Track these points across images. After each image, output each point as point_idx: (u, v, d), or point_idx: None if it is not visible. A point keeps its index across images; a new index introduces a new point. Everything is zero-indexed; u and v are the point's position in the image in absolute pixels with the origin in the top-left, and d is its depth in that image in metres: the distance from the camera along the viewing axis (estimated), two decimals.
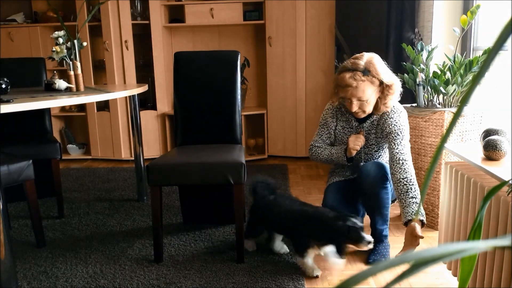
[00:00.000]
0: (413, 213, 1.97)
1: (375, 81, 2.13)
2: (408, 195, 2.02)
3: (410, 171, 2.09)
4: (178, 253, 2.36)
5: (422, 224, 1.96)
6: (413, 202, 2.01)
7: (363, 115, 2.23)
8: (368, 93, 2.13)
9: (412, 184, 2.06)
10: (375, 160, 2.30)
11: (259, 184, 2.36)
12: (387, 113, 2.23)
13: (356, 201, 2.37)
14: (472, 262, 0.86)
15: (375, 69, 2.13)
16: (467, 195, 1.79)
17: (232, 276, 2.11)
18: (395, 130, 2.19)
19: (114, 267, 2.24)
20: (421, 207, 2.11)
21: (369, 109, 2.20)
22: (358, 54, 2.22)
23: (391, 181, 2.18)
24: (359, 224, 1.97)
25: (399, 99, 2.24)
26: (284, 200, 2.26)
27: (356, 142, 2.22)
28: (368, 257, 2.25)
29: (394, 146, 2.15)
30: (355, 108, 2.17)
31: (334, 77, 2.25)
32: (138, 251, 2.40)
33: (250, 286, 2.02)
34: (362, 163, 2.30)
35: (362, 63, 2.14)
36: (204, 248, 2.41)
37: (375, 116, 2.26)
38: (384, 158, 2.36)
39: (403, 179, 2.07)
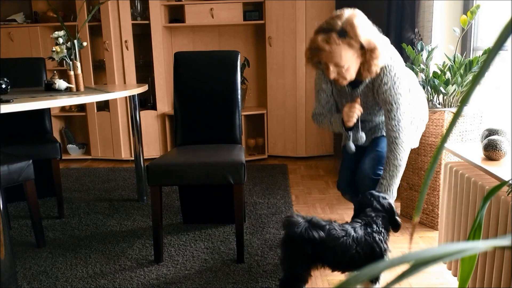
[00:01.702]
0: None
1: (354, 45, 1.85)
2: (383, 173, 1.99)
3: (396, 151, 1.96)
4: (178, 253, 2.36)
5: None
6: (380, 183, 1.99)
7: (345, 82, 1.98)
8: (347, 58, 1.87)
9: (391, 166, 1.96)
10: (373, 155, 2.13)
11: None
12: (380, 77, 1.96)
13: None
14: (472, 262, 0.86)
15: (355, 30, 1.83)
16: (467, 195, 1.79)
17: (232, 276, 2.11)
18: (389, 100, 1.96)
19: (114, 267, 2.24)
20: (389, 189, 1.99)
21: (350, 75, 1.94)
22: (338, 12, 1.92)
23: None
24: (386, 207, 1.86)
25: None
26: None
27: (350, 114, 2.00)
28: None
29: (388, 120, 1.98)
30: (332, 75, 1.93)
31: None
32: (138, 251, 2.40)
33: (250, 286, 2.02)
34: (361, 139, 2.11)
35: (339, 23, 1.85)
36: (204, 248, 2.41)
37: (368, 79, 2.01)
38: (382, 119, 2.18)
39: (387, 157, 1.99)
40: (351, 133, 2.08)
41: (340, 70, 1.91)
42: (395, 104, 1.97)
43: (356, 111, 1.99)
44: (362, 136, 2.10)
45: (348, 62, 1.88)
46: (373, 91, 2.02)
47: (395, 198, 2.01)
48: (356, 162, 2.21)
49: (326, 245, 1.70)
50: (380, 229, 1.77)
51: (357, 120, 2.05)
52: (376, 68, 1.91)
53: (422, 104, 2.22)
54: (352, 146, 2.10)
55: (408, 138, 2.00)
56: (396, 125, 1.97)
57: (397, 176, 1.98)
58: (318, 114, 2.21)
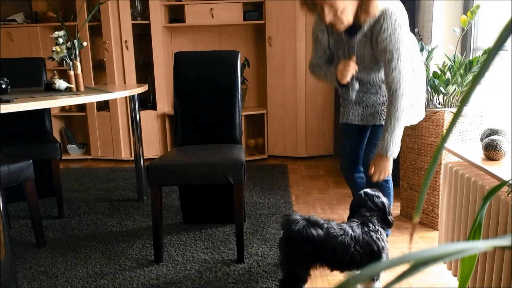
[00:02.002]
0: (382, 148, 1.94)
1: None
2: (384, 126, 1.95)
3: (396, 103, 1.91)
4: (178, 253, 2.36)
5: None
6: (383, 137, 1.95)
7: (342, 27, 1.89)
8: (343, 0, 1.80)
9: (391, 118, 1.92)
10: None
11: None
12: (380, 23, 1.86)
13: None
14: (472, 262, 0.86)
15: None
16: (467, 195, 1.79)
17: (232, 276, 2.11)
18: (389, 49, 1.87)
19: (114, 267, 2.24)
20: (391, 141, 1.93)
21: (347, 18, 1.85)
22: None
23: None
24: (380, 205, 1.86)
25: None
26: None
27: (344, 72, 1.96)
28: None
29: (388, 71, 1.91)
30: (328, 17, 1.85)
31: None
32: (138, 251, 2.40)
33: (250, 286, 2.02)
34: (355, 86, 2.06)
35: None
36: (204, 248, 2.41)
37: (367, 25, 1.91)
38: (379, 73, 2.07)
39: (388, 110, 1.94)
40: (348, 88, 2.09)
41: (335, 11, 1.83)
42: (395, 52, 1.88)
43: (351, 69, 1.95)
44: (355, 86, 2.08)
45: (344, 3, 1.80)
46: (371, 41, 1.92)
47: (399, 149, 1.96)
48: (358, 142, 2.23)
49: (326, 244, 1.70)
50: (376, 227, 1.78)
51: (352, 79, 2.03)
52: (374, 9, 1.83)
53: (421, 73, 2.14)
54: (353, 95, 2.12)
55: (409, 90, 1.95)
56: (396, 76, 1.90)
57: (399, 128, 1.93)
58: (314, 65, 2.17)
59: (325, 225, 1.73)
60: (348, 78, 1.98)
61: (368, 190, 1.91)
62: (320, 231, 1.70)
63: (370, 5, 1.82)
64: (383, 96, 2.10)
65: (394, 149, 1.94)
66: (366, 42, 1.94)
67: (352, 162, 2.25)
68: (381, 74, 2.04)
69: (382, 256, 1.77)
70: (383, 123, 2.06)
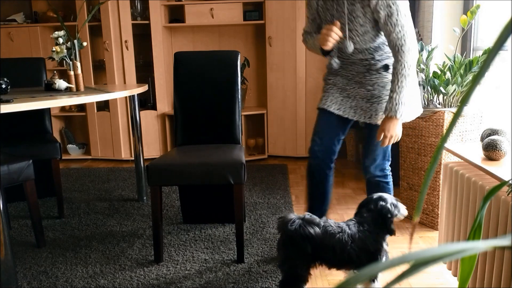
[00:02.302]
0: (391, 109, 1.88)
1: None
2: (391, 87, 1.89)
3: (404, 61, 1.85)
4: (178, 253, 2.36)
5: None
6: (390, 97, 1.88)
7: None
8: None
9: (399, 76, 1.85)
10: (374, 155, 2.07)
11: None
12: None
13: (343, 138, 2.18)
14: (472, 262, 0.86)
15: None
16: (467, 195, 1.79)
17: (232, 276, 2.11)
18: (386, 3, 1.80)
19: (114, 267, 2.24)
20: (400, 102, 1.87)
21: None
22: None
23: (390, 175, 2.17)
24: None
25: None
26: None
27: (326, 37, 1.88)
28: None
29: (389, 28, 1.84)
30: None
31: None
32: (138, 251, 2.40)
33: (250, 286, 2.02)
34: (349, 47, 1.94)
35: None
36: (204, 248, 2.41)
37: None
38: (375, 40, 1.95)
39: (394, 68, 1.88)
40: (332, 56, 2.01)
41: None
42: (394, 6, 1.81)
43: (333, 34, 1.87)
44: (334, 65, 2.01)
45: None
46: (362, 1, 1.85)
47: (406, 108, 1.91)
48: (338, 129, 2.11)
49: (325, 242, 1.70)
50: (372, 228, 1.77)
51: (340, 45, 1.94)
52: None
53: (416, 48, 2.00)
54: (335, 64, 2.03)
55: (415, 44, 1.88)
56: (400, 31, 1.83)
57: (407, 86, 1.87)
58: (306, 32, 2.12)
59: (322, 223, 1.73)
60: (330, 44, 1.90)
61: (380, 194, 1.86)
62: (317, 229, 1.70)
63: None
64: (373, 87, 2.00)
65: (403, 109, 1.88)
66: (356, 2, 1.87)
67: (328, 151, 2.12)
68: (374, 43, 1.94)
69: (378, 257, 1.76)
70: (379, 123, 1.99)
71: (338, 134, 2.13)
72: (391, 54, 1.96)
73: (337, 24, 1.89)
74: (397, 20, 1.83)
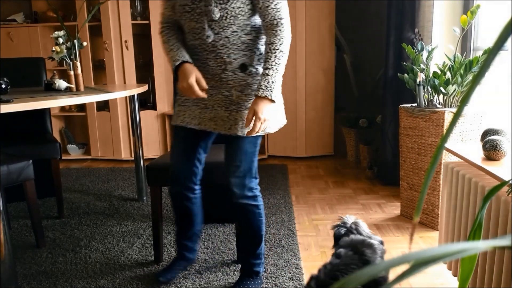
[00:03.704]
0: (266, 87, 1.67)
1: None
2: (265, 65, 1.69)
3: (282, 36, 1.68)
4: None
5: (272, 101, 1.69)
6: (265, 74, 1.68)
7: None
8: None
9: (276, 52, 1.67)
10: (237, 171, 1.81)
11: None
12: None
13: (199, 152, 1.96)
14: (472, 262, 0.85)
15: None
16: (467, 195, 1.79)
17: (232, 276, 2.11)
18: None
19: (114, 267, 2.24)
20: (276, 81, 1.69)
21: None
22: None
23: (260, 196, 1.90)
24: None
25: None
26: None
27: (187, 93, 1.71)
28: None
29: (264, 3, 1.67)
30: None
31: None
32: (138, 251, 2.40)
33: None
34: (209, 37, 1.71)
35: None
36: (204, 248, 2.41)
37: None
38: (240, 9, 1.69)
39: (271, 43, 1.69)
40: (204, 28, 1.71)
41: None
42: None
43: (192, 94, 1.71)
44: (209, 34, 1.71)
45: None
46: None
47: (277, 97, 1.72)
48: (199, 147, 1.93)
49: None
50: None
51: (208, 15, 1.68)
52: None
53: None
54: (211, 36, 1.71)
55: (289, 26, 1.72)
56: (278, 3, 1.68)
57: (283, 64, 1.71)
58: (164, 18, 1.85)
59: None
60: (188, 95, 1.73)
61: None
62: None
63: None
64: (230, 92, 1.78)
65: (278, 91, 1.72)
66: None
67: (190, 173, 1.95)
68: (243, 31, 1.72)
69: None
70: (242, 134, 1.77)
71: (200, 153, 1.94)
72: (248, 54, 1.75)
73: (203, 85, 1.72)
74: None
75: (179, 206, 2.02)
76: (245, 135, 1.77)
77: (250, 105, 1.74)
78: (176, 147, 1.94)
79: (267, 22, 1.70)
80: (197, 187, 2.01)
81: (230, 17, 1.68)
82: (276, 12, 1.68)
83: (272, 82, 1.68)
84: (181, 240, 2.10)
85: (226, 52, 1.73)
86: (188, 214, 2.04)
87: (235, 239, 2.27)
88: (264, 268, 2.17)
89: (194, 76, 1.71)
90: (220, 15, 1.67)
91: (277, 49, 1.68)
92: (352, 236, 1.65)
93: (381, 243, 1.67)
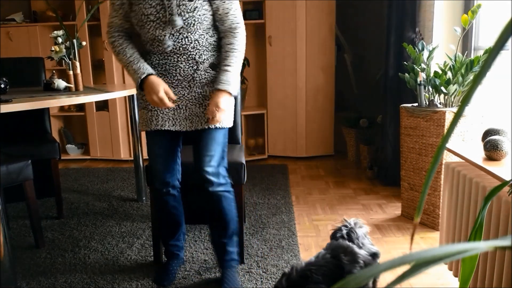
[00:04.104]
0: (225, 82, 1.79)
1: None
2: (224, 62, 1.81)
3: (239, 37, 1.83)
4: None
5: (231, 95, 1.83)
6: (225, 70, 1.80)
7: None
8: None
9: (234, 51, 1.81)
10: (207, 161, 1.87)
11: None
12: None
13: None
14: (473, 262, 0.85)
15: None
16: (468, 195, 1.78)
17: None
18: None
19: (113, 267, 2.23)
20: (235, 77, 1.82)
21: None
22: None
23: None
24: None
25: None
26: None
27: (156, 104, 1.79)
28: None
29: (224, 6, 1.79)
30: None
31: None
32: (137, 252, 2.40)
33: (250, 287, 2.01)
34: (169, 46, 1.79)
35: None
36: (203, 249, 2.40)
37: None
38: (203, 16, 1.78)
39: (230, 44, 1.82)
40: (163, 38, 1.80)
41: None
42: None
43: (166, 105, 1.79)
44: (169, 44, 1.79)
45: None
46: None
47: (235, 91, 1.83)
48: (176, 146, 1.99)
49: None
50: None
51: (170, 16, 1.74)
52: None
53: None
54: (170, 43, 1.80)
55: (244, 29, 1.86)
56: (236, 10, 1.82)
57: (235, 61, 1.82)
58: (113, 27, 1.88)
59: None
60: (157, 105, 1.81)
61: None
62: None
63: None
64: (203, 89, 1.86)
65: (235, 87, 1.83)
66: None
67: (170, 176, 2.00)
68: (206, 19, 1.80)
69: None
70: (209, 126, 1.87)
71: (178, 151, 2.01)
72: (216, 54, 1.87)
73: (172, 97, 1.81)
74: (231, 2, 1.82)
75: (168, 207, 2.05)
76: (216, 126, 1.88)
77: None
78: (156, 150, 1.96)
79: (226, 27, 1.84)
80: (178, 185, 2.06)
81: (197, 23, 1.78)
82: (234, 17, 1.83)
83: (231, 77, 1.81)
84: (171, 241, 2.13)
85: (198, 53, 1.83)
86: (176, 214, 2.09)
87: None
88: (264, 268, 2.16)
89: (162, 88, 1.79)
90: (188, 22, 1.77)
91: (235, 49, 1.83)
92: (340, 241, 1.64)
93: (374, 255, 1.61)
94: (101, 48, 4.28)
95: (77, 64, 2.63)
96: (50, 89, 2.62)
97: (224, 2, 1.80)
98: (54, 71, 2.93)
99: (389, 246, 2.38)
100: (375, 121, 3.85)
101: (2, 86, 2.43)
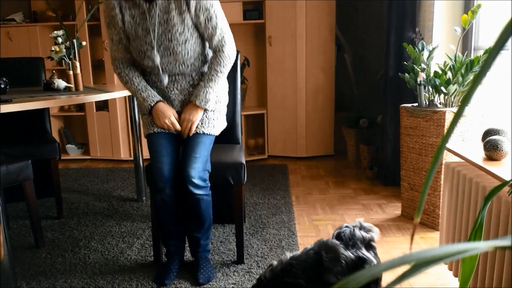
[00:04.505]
0: (202, 99, 1.98)
1: None
2: (207, 78, 1.99)
3: (226, 56, 1.98)
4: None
5: (205, 110, 2.03)
6: (205, 87, 1.98)
7: None
8: None
9: (219, 72, 1.98)
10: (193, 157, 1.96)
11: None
12: None
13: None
14: (473, 262, 0.85)
15: None
16: (468, 195, 1.78)
17: (232, 276, 2.10)
18: (205, 6, 1.88)
19: (113, 267, 2.23)
20: (212, 95, 2.00)
21: None
22: None
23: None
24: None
25: None
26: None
27: (165, 126, 2.00)
28: (197, 278, 2.05)
29: (211, 31, 1.93)
30: None
31: None
32: (137, 252, 2.40)
33: (250, 286, 2.01)
34: (164, 81, 2.01)
35: None
36: None
37: None
38: (197, 48, 1.98)
39: (212, 63, 1.99)
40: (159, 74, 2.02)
41: None
42: (211, 8, 1.90)
43: (171, 127, 2.01)
44: (164, 80, 2.02)
45: None
46: (178, 2, 1.87)
47: (211, 107, 2.04)
48: (175, 146, 2.07)
49: None
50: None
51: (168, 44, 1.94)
52: None
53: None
54: (165, 81, 2.02)
55: (233, 44, 2.01)
56: (220, 34, 1.94)
57: (216, 82, 1.99)
58: (117, 59, 2.03)
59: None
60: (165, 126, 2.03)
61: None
62: None
63: None
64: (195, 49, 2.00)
65: (212, 103, 2.02)
66: (169, 7, 1.88)
67: (173, 175, 2.03)
68: (196, 55, 1.99)
69: None
70: (203, 131, 2.04)
71: (177, 151, 2.08)
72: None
73: (177, 127, 2.02)
74: (216, 23, 1.93)
75: (169, 206, 2.06)
76: (205, 132, 2.05)
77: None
78: (158, 148, 2.02)
79: (214, 44, 1.98)
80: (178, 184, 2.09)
81: (191, 52, 1.96)
82: (219, 41, 1.97)
83: (210, 94, 1.99)
84: (171, 241, 2.14)
85: (195, 72, 2.05)
86: (175, 213, 2.10)
87: (235, 239, 2.26)
88: (264, 268, 2.16)
89: (172, 114, 2.02)
90: (182, 53, 1.95)
91: (217, 71, 1.99)
92: (330, 239, 1.63)
93: (361, 260, 1.56)
94: (101, 48, 4.28)
95: (77, 64, 2.63)
96: (50, 89, 2.62)
97: (208, 28, 1.93)
98: (54, 71, 2.93)
99: (389, 246, 2.38)
100: (375, 121, 3.85)
101: (2, 86, 2.43)
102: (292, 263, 1.56)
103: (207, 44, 2.04)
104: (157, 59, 1.95)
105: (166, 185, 2.00)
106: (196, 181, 1.95)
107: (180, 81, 2.04)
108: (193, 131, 2.02)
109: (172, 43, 1.92)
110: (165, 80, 2.02)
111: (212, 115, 2.10)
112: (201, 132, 2.05)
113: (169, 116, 2.01)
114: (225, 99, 2.21)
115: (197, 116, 2.02)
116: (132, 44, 1.97)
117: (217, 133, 2.13)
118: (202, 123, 2.06)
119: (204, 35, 1.97)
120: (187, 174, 1.94)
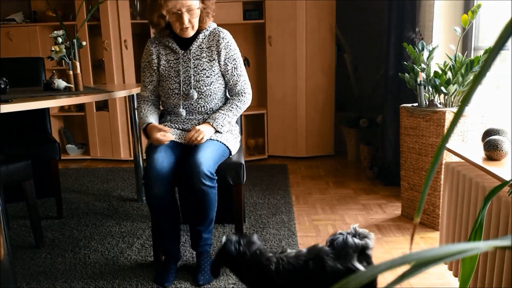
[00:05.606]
0: (216, 121, 2.12)
1: None
2: (225, 109, 2.17)
3: (245, 101, 2.22)
4: None
5: (217, 131, 2.15)
6: (223, 114, 2.15)
7: (192, 32, 2.10)
8: (196, 2, 2.06)
9: (237, 109, 2.19)
10: (202, 155, 2.00)
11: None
12: (216, 33, 2.18)
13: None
14: (473, 262, 0.85)
15: None
16: (468, 195, 1.78)
17: (232, 276, 2.10)
18: (232, 55, 2.18)
19: (113, 267, 2.23)
20: (226, 121, 2.16)
21: (196, 22, 2.10)
22: None
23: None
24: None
25: None
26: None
27: (159, 141, 2.04)
28: (197, 279, 2.06)
29: (236, 78, 2.19)
30: (186, 20, 2.04)
31: None
32: (137, 252, 2.40)
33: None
34: (182, 114, 2.18)
35: None
36: None
37: (200, 37, 2.16)
38: (221, 89, 2.21)
39: (233, 100, 2.20)
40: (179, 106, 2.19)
41: (191, 14, 2.05)
42: (237, 58, 2.19)
43: (164, 142, 2.05)
44: (182, 113, 2.18)
45: (197, 2, 2.07)
46: (207, 51, 2.15)
47: (224, 131, 2.17)
48: (178, 149, 2.12)
49: None
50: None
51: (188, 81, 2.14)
52: (209, 20, 2.16)
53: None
54: (183, 113, 2.19)
55: (250, 90, 2.25)
56: (243, 80, 2.21)
57: (234, 114, 2.19)
58: (143, 98, 2.26)
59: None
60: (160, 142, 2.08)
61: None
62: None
63: (207, 15, 2.13)
64: (208, 114, 2.21)
65: (224, 129, 2.17)
66: (202, 53, 2.15)
67: (173, 175, 2.05)
68: (221, 93, 2.20)
69: None
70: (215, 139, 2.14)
71: (177, 156, 2.10)
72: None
73: (165, 140, 2.06)
74: (240, 71, 2.20)
75: (166, 206, 2.05)
76: (218, 140, 2.14)
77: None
78: (158, 149, 2.05)
79: (234, 92, 2.23)
80: (176, 184, 2.14)
81: (213, 94, 2.17)
82: (241, 87, 2.22)
83: (225, 120, 2.16)
84: (169, 242, 2.13)
85: (213, 109, 2.24)
86: (174, 213, 2.11)
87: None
88: None
89: (156, 132, 2.07)
90: (205, 94, 2.16)
91: (236, 107, 2.20)
92: (323, 247, 1.61)
93: (350, 270, 1.52)
94: (101, 48, 4.27)
95: (77, 64, 2.63)
96: (50, 89, 2.62)
97: (233, 75, 2.19)
98: (54, 71, 2.93)
99: (389, 246, 2.39)
100: (375, 121, 3.85)
101: (2, 86, 2.43)
102: (279, 261, 1.57)
103: (227, 92, 2.27)
104: (182, 98, 2.15)
105: (165, 183, 1.99)
106: (206, 171, 1.96)
107: (197, 117, 2.20)
108: (200, 140, 2.06)
109: (199, 83, 2.13)
110: (183, 113, 2.18)
111: (225, 133, 2.20)
112: (214, 139, 2.13)
113: (153, 135, 2.06)
114: (237, 127, 2.34)
115: (208, 131, 2.10)
116: (162, 84, 2.20)
117: (231, 146, 2.17)
118: (216, 135, 2.15)
119: (228, 82, 2.20)
120: (198, 162, 1.95)
